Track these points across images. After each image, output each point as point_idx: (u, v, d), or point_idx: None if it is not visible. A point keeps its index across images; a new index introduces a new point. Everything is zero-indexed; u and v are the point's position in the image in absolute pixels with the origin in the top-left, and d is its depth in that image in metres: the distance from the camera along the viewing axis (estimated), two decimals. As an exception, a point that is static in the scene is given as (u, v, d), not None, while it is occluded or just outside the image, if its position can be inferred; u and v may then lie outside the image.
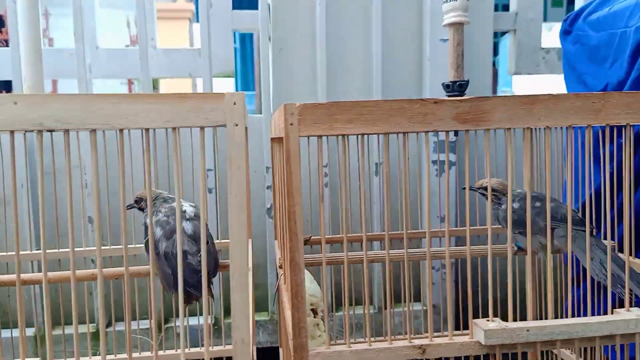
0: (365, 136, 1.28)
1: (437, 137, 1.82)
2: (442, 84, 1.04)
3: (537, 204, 1.10)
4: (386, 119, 0.71)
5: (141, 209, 1.15)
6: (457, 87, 1.01)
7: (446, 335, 0.75)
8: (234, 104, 0.66)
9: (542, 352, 1.52)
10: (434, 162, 1.84)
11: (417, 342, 0.72)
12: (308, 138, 1.38)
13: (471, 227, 1.44)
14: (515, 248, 1.17)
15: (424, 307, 1.83)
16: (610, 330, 0.73)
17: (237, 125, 0.66)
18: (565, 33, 1.40)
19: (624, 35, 1.20)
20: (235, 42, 5.89)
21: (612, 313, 0.77)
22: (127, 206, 1.16)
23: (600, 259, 0.97)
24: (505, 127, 0.73)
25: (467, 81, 1.03)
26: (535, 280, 1.47)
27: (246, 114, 0.86)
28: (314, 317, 1.03)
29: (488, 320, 0.74)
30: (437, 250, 1.16)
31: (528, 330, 0.72)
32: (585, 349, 1.36)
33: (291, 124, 0.69)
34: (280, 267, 1.26)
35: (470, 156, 1.75)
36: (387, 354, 0.70)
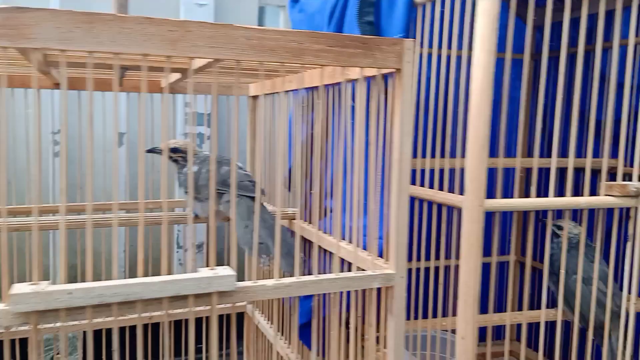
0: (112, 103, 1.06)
1: (188, 108, 1.71)
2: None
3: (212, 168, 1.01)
4: None
5: None
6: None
7: None
8: None
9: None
10: (186, 135, 1.72)
11: None
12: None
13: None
14: (193, 215, 1.07)
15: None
16: (177, 290, 0.64)
17: None
18: (293, 1, 1.36)
19: (328, 0, 1.17)
20: None
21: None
22: None
23: (247, 224, 0.90)
24: (56, 47, 0.60)
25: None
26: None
27: None
28: None
29: (33, 285, 0.61)
30: (100, 218, 1.02)
31: (71, 294, 0.60)
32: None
33: None
34: None
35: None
36: None
